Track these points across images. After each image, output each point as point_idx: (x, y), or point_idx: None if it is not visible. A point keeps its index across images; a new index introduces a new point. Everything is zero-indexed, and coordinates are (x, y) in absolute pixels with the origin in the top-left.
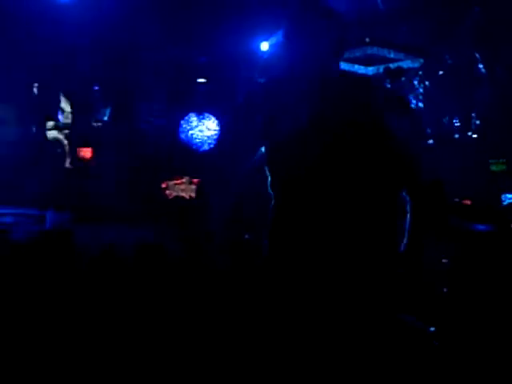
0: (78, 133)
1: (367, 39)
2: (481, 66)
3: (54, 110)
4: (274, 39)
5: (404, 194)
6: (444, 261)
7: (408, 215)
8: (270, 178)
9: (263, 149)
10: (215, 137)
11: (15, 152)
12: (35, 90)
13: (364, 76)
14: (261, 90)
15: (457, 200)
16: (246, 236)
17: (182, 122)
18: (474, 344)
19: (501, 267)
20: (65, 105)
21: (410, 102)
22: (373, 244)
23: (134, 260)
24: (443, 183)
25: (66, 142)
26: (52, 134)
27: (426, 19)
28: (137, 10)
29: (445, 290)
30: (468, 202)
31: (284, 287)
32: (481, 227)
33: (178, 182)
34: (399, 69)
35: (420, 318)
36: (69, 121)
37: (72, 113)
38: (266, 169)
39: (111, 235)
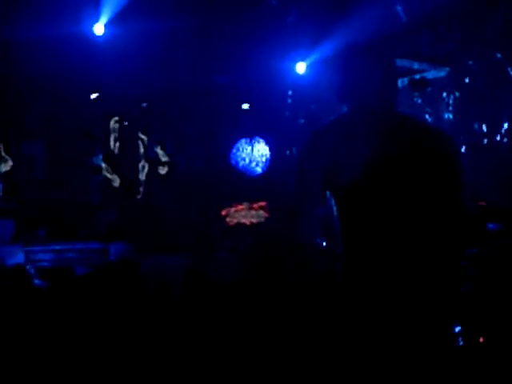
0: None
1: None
2: (508, 68)
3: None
4: (311, 60)
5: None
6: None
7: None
8: (336, 209)
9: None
10: (266, 160)
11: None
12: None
13: (419, 119)
14: (315, 140)
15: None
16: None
17: (233, 148)
18: (498, 342)
19: None
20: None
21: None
22: (427, 256)
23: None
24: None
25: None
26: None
27: (449, 27)
28: (174, 41)
29: (464, 288)
30: (483, 204)
31: (357, 295)
32: (491, 226)
33: (238, 208)
34: (424, 80)
35: None
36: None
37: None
38: (333, 202)
39: (174, 264)
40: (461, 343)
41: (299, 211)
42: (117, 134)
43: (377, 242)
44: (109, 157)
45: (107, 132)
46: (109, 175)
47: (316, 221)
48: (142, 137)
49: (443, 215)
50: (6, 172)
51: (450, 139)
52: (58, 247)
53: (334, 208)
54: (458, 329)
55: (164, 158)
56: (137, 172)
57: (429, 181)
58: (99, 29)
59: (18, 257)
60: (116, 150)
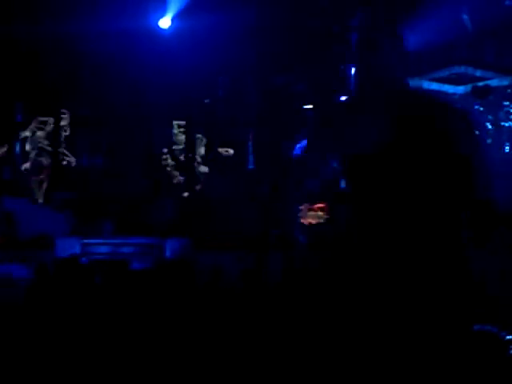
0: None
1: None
2: None
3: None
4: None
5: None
6: None
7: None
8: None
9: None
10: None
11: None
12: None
13: (432, 95)
14: (333, 109)
15: None
16: None
17: (296, 148)
18: None
19: None
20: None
21: (476, 121)
22: (436, 251)
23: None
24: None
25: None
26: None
27: None
28: (240, 37)
29: None
30: None
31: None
32: None
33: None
34: (487, 87)
35: (496, 326)
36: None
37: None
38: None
39: (230, 262)
40: None
41: None
42: (180, 130)
43: (382, 229)
44: (173, 152)
45: (170, 127)
46: (171, 171)
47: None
48: (202, 134)
49: (457, 206)
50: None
51: (463, 115)
52: (114, 241)
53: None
54: (509, 337)
55: (225, 156)
56: (197, 169)
57: (438, 165)
58: (165, 22)
59: (74, 249)
60: (179, 146)
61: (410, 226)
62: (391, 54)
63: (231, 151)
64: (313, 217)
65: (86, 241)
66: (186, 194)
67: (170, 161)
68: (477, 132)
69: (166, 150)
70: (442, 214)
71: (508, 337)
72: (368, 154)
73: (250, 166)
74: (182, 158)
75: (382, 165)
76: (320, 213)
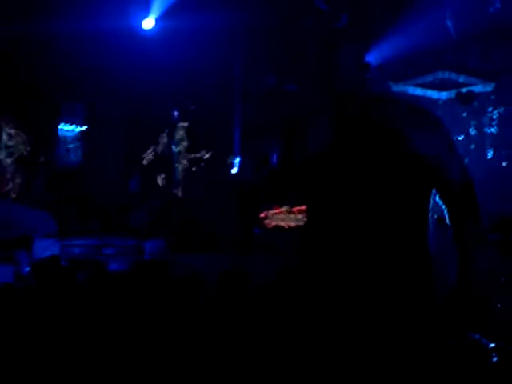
0: None
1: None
2: None
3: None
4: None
5: (440, 202)
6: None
7: (449, 224)
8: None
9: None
10: None
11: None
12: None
13: (386, 94)
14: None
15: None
16: None
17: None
18: None
19: None
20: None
21: (436, 115)
22: (396, 254)
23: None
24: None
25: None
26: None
27: (497, 43)
28: (222, 43)
29: (499, 305)
30: None
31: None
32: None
33: (278, 211)
34: (471, 93)
35: (479, 334)
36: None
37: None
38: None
39: (209, 264)
40: (495, 359)
41: None
42: (164, 131)
43: (333, 232)
44: (155, 154)
45: (157, 129)
46: (152, 172)
47: None
48: (184, 136)
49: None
50: (48, 163)
51: (426, 115)
52: (93, 242)
53: None
54: (492, 345)
55: (206, 158)
56: (177, 171)
57: (391, 165)
58: (149, 23)
59: (54, 250)
60: (163, 148)
61: (361, 228)
62: (350, 57)
63: (211, 153)
64: (292, 220)
65: (65, 242)
66: (166, 197)
67: (152, 162)
68: (443, 130)
69: (148, 152)
70: (398, 213)
71: (491, 345)
72: (317, 155)
73: (236, 170)
74: (163, 159)
75: (330, 166)
76: (300, 216)
